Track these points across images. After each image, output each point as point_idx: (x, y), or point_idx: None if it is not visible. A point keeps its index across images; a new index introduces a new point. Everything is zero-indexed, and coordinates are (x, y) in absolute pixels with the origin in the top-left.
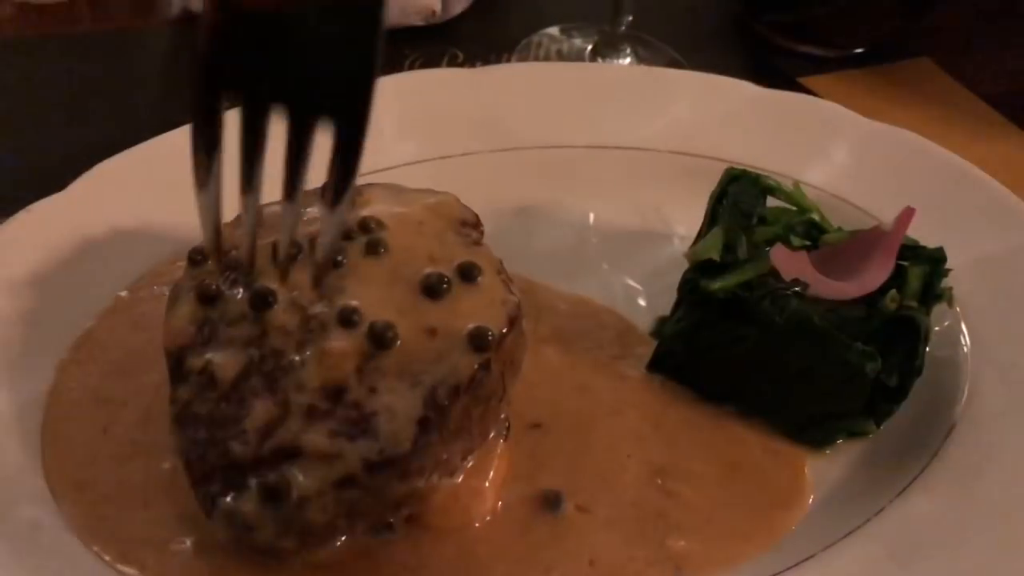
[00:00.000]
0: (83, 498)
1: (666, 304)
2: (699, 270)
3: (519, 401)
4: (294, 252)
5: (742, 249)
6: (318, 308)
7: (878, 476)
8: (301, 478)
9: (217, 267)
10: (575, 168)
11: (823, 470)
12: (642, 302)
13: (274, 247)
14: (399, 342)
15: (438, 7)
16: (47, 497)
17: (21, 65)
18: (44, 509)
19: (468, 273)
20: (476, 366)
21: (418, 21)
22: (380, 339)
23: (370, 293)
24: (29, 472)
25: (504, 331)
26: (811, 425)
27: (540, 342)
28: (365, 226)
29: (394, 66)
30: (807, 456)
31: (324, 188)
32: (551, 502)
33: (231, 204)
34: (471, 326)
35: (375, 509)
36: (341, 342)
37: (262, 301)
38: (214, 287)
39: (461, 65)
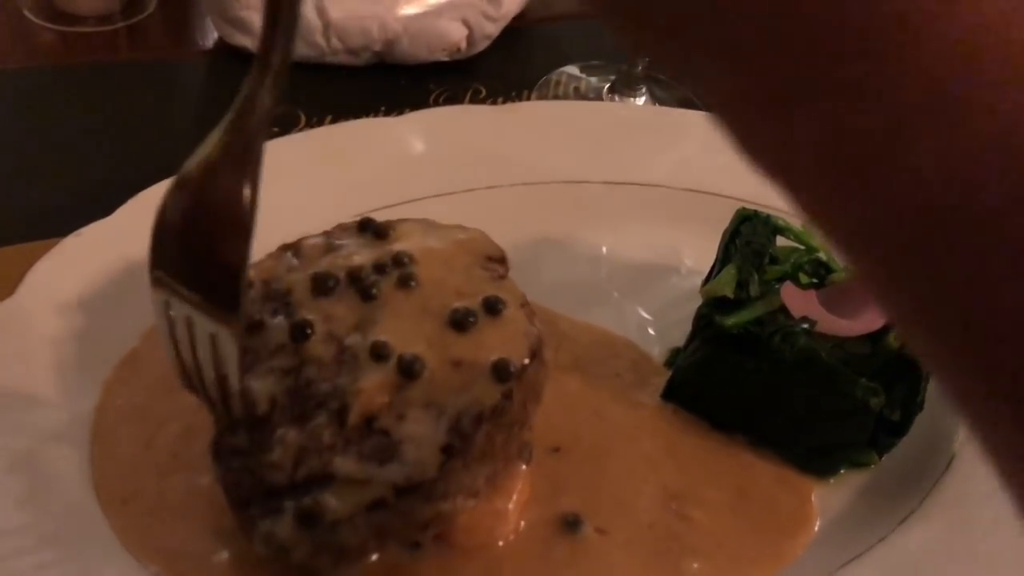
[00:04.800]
0: (128, 510)
1: (678, 335)
2: (713, 306)
3: (540, 426)
4: (332, 284)
5: (754, 287)
6: (352, 340)
7: (880, 505)
8: (334, 502)
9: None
10: (592, 203)
11: (828, 498)
12: (655, 333)
13: (313, 279)
14: (426, 373)
15: (463, 44)
16: (96, 508)
17: (62, 92)
18: (93, 520)
19: (493, 307)
20: (499, 396)
21: (443, 57)
22: (409, 371)
23: (400, 326)
24: (80, 484)
25: (526, 362)
26: (817, 455)
27: (560, 370)
28: (398, 260)
29: (420, 99)
30: (813, 484)
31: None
32: (571, 524)
33: (272, 233)
34: (495, 358)
35: (404, 530)
36: (372, 375)
37: (301, 333)
38: (256, 317)
39: (483, 99)
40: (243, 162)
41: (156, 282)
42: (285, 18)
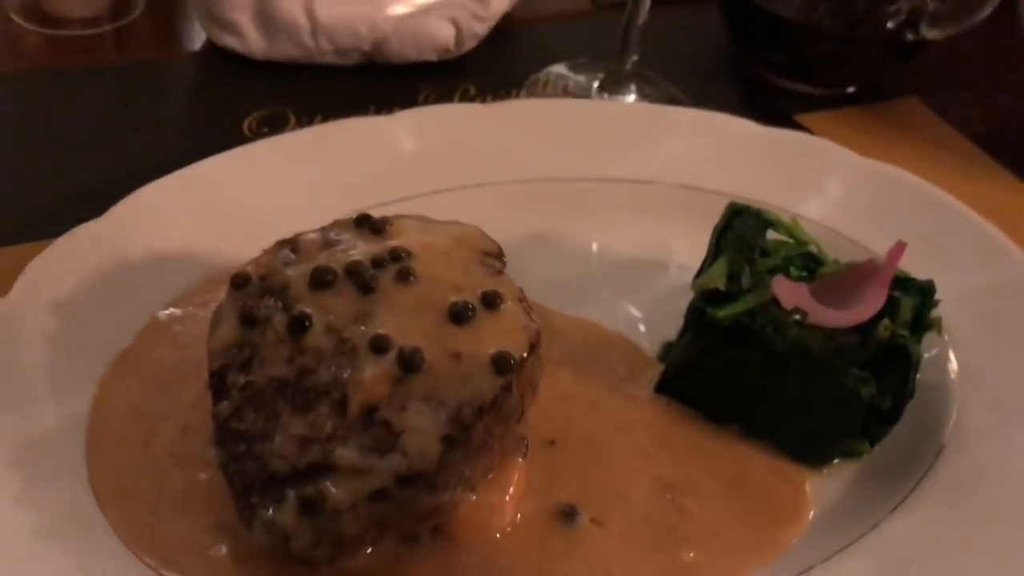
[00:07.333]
0: (126, 506)
1: (670, 329)
2: (705, 299)
3: (535, 419)
4: (330, 279)
5: (746, 279)
6: (351, 332)
7: (872, 494)
8: (335, 491)
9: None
10: (583, 199)
11: (821, 487)
12: (647, 327)
13: (312, 273)
14: (426, 365)
15: (452, 44)
16: (93, 504)
17: (51, 95)
18: (90, 516)
19: (491, 301)
20: (498, 388)
21: (432, 57)
22: (409, 363)
23: (400, 319)
24: (76, 481)
25: (525, 355)
26: (810, 445)
27: (553, 364)
28: (395, 255)
29: (409, 98)
30: (807, 474)
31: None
32: (567, 515)
33: (265, 232)
34: (494, 351)
35: (404, 520)
36: (372, 367)
37: (299, 325)
38: (255, 312)
39: (472, 99)
40: None
41: None
42: None
